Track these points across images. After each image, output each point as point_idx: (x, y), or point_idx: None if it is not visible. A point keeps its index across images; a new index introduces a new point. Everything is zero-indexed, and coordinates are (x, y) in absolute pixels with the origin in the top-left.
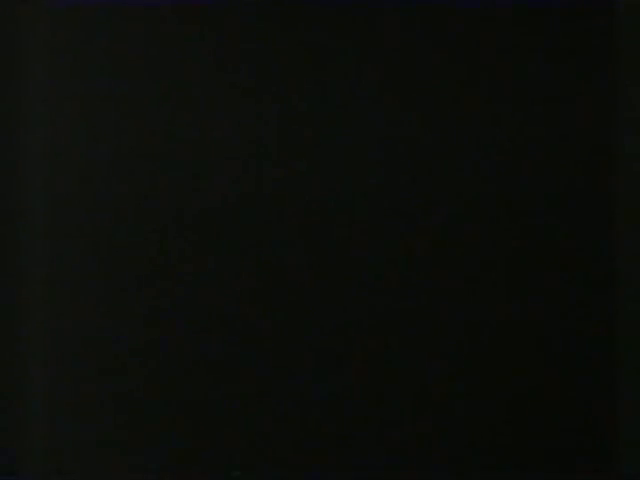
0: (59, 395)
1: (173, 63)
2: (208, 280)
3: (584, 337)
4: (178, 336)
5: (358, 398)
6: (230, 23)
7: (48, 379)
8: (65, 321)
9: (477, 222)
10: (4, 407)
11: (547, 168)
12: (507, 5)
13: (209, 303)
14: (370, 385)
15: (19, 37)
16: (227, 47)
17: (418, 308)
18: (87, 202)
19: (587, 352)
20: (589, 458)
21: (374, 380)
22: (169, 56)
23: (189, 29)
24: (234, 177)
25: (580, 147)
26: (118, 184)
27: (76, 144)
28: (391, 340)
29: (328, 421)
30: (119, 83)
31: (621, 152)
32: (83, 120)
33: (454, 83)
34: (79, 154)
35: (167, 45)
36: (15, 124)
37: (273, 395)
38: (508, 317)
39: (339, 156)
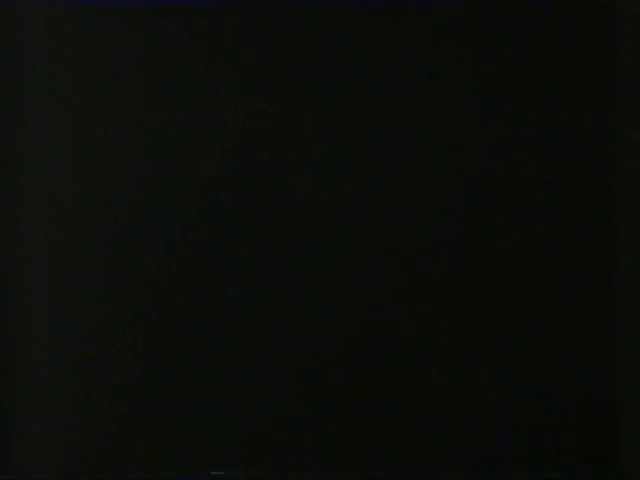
0: (59, 395)
1: (174, 63)
2: (210, 280)
3: (584, 337)
4: (180, 336)
5: (360, 399)
6: (230, 25)
7: (48, 379)
8: (65, 321)
9: (475, 222)
10: (4, 407)
11: (546, 168)
12: (507, 5)
13: (211, 303)
14: (371, 386)
15: (19, 37)
16: (227, 48)
17: (417, 309)
18: (86, 201)
19: (587, 352)
20: (589, 458)
21: (374, 381)
22: (169, 56)
23: (189, 30)
24: (234, 176)
25: (580, 147)
26: (118, 183)
27: (76, 143)
28: (391, 339)
29: (328, 422)
30: (119, 83)
31: (621, 152)
32: (83, 119)
33: (451, 83)
34: (79, 153)
35: (167, 46)
36: (14, 123)
37: (274, 396)
38: (508, 317)
39: (339, 156)
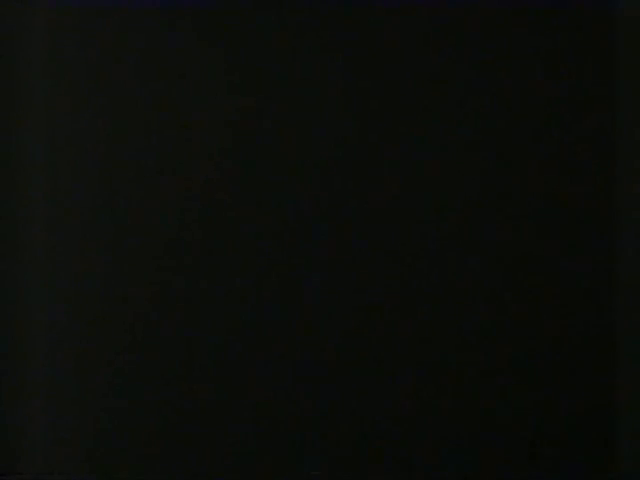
0: (59, 395)
1: (173, 64)
2: (211, 281)
3: (583, 337)
4: (180, 335)
5: (360, 401)
6: (229, 25)
7: (48, 379)
8: (65, 321)
9: (473, 223)
10: (4, 407)
11: (545, 170)
12: (507, 5)
13: (213, 303)
14: (371, 388)
15: (19, 37)
16: (227, 49)
17: (416, 311)
18: (86, 202)
19: (587, 352)
20: (589, 458)
21: (375, 383)
22: (169, 57)
23: (189, 30)
24: (234, 176)
25: (580, 149)
26: (118, 183)
27: (76, 144)
28: (390, 341)
29: (327, 424)
30: (119, 83)
31: (621, 154)
32: (83, 120)
33: (451, 83)
34: (79, 154)
35: (167, 46)
36: (14, 124)
37: (274, 398)
38: (508, 318)
39: (339, 158)
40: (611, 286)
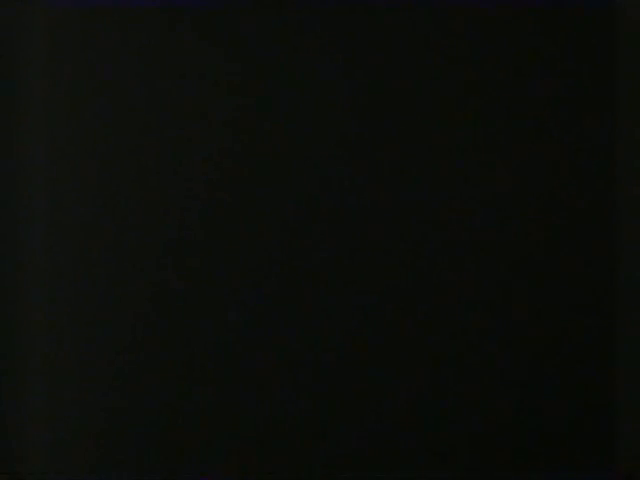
0: (59, 395)
1: (173, 64)
2: (212, 281)
3: (584, 336)
4: (180, 335)
5: (359, 402)
6: (229, 25)
7: (48, 379)
8: (65, 321)
9: (473, 223)
10: (4, 407)
11: (545, 170)
12: (507, 5)
13: (213, 303)
14: (371, 388)
15: (19, 37)
16: (227, 49)
17: (418, 309)
18: (86, 203)
19: (587, 352)
20: (589, 458)
21: (374, 383)
22: (169, 57)
23: (189, 30)
24: (235, 177)
25: (579, 149)
26: (118, 183)
27: (75, 144)
28: (390, 343)
29: (329, 424)
30: (119, 83)
31: (622, 154)
32: (83, 120)
33: (451, 84)
34: (79, 154)
35: (167, 46)
36: (14, 124)
37: (274, 398)
38: (507, 318)
39: (339, 157)
40: (611, 286)
